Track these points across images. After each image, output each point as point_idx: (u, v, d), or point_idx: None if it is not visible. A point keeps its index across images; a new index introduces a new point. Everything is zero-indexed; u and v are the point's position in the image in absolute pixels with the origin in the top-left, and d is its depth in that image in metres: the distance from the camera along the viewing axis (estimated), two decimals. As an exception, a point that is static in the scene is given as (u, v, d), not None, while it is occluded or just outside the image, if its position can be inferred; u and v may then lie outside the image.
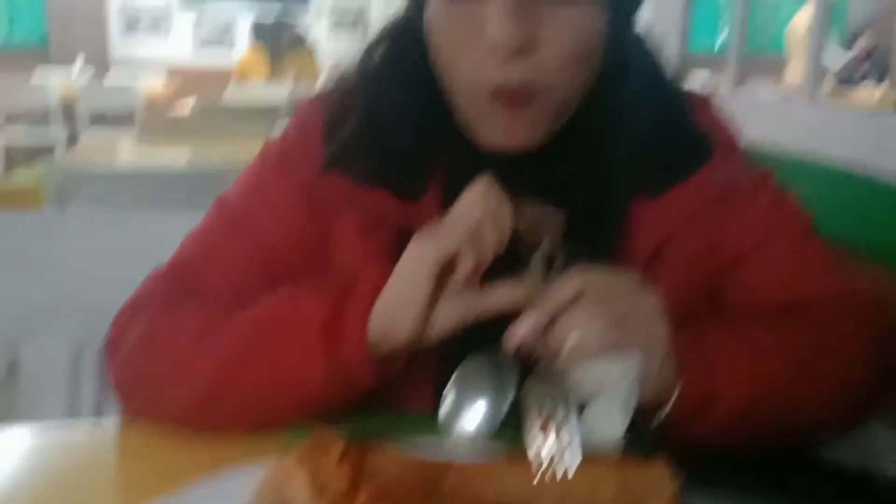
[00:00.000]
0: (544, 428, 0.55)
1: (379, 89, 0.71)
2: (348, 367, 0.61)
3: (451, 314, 0.60)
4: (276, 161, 0.75)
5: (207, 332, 0.67)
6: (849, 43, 6.30)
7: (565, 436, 0.54)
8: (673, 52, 1.95)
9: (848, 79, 6.05)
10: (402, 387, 0.68)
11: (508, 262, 0.61)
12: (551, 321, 0.56)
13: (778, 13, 6.41)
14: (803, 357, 0.65)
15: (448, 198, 0.68)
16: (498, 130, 0.65)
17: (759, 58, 6.63)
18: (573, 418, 0.55)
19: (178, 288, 0.73)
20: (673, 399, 0.58)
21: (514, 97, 0.62)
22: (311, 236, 0.73)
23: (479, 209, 0.58)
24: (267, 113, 3.50)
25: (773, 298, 0.72)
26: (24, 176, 2.15)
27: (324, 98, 0.77)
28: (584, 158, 0.69)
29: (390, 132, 0.69)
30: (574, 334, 0.55)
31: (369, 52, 0.73)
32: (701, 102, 0.76)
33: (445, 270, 0.58)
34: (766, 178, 0.76)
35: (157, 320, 0.70)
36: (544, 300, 0.57)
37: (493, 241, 0.58)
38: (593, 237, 0.68)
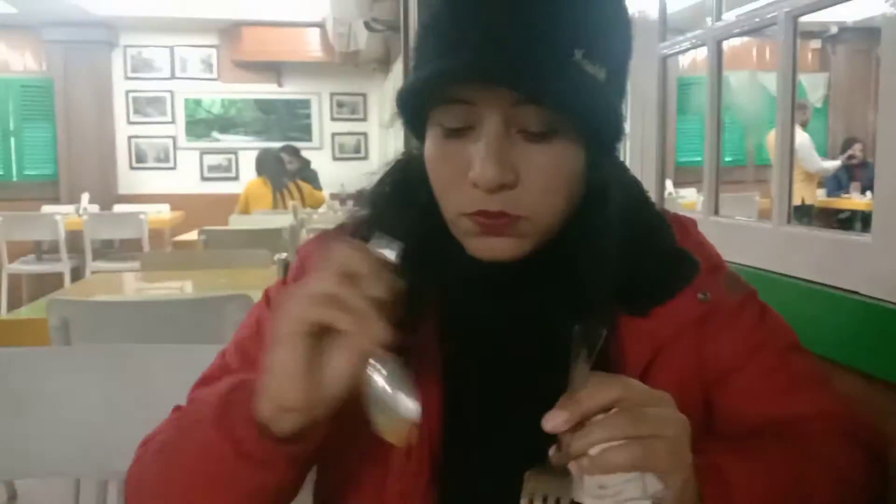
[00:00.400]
0: None
1: (372, 229, 0.73)
2: (244, 444, 0.60)
3: (340, 372, 0.58)
4: (275, 305, 0.78)
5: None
6: (842, 149, 6.55)
7: None
8: (653, 167, 2.03)
9: (834, 190, 6.25)
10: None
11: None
12: (582, 422, 0.56)
13: (762, 126, 6.67)
14: (804, 475, 0.66)
15: (446, 325, 0.72)
16: (485, 246, 0.68)
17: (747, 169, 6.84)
18: None
19: None
20: None
21: (495, 221, 0.66)
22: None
23: (332, 280, 0.56)
24: (270, 241, 3.58)
25: (762, 414, 0.74)
26: (31, 310, 2.19)
27: (322, 238, 0.81)
28: (569, 279, 0.71)
29: None
30: (598, 447, 0.55)
31: (366, 197, 0.78)
32: (684, 225, 0.80)
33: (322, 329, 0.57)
34: (751, 296, 0.79)
35: (170, 437, 0.70)
36: (580, 399, 0.57)
37: (362, 303, 0.56)
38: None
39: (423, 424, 0.69)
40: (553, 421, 0.56)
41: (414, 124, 0.71)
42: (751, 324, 0.77)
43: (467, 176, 0.65)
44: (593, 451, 0.54)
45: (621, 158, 0.78)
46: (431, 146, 0.69)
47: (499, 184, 0.63)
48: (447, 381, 0.72)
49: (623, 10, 0.69)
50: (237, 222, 4.89)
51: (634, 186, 0.79)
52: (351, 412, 0.74)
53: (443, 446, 0.71)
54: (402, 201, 0.74)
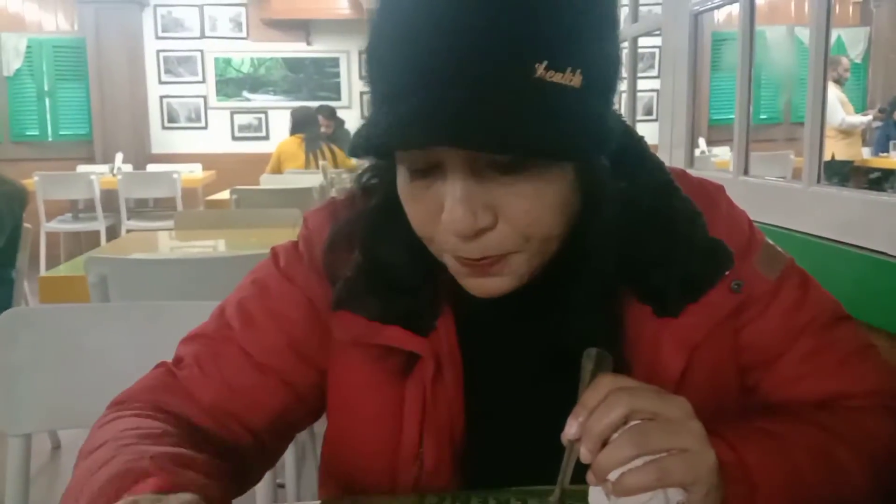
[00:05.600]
0: None
1: (376, 228, 0.71)
2: None
3: None
4: (281, 270, 0.77)
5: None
6: (889, 111, 6.35)
7: None
8: (684, 125, 2.01)
9: (882, 149, 6.11)
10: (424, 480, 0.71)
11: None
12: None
13: (798, 83, 6.50)
14: (838, 460, 0.64)
15: (461, 322, 0.71)
16: (475, 285, 0.64)
17: (783, 127, 6.71)
18: None
19: (167, 388, 0.74)
20: None
21: (480, 265, 0.61)
22: (308, 345, 0.75)
23: None
24: (301, 200, 3.61)
25: (809, 393, 0.72)
26: (69, 267, 2.24)
27: (331, 210, 0.78)
28: (586, 282, 0.67)
29: (394, 272, 0.69)
30: (616, 471, 0.54)
31: (362, 184, 0.75)
32: (711, 197, 0.74)
33: None
34: (789, 271, 0.74)
35: (116, 423, 0.68)
36: (590, 422, 0.55)
37: None
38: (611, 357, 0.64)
39: (444, 409, 0.70)
40: (568, 432, 0.56)
41: (382, 159, 0.67)
42: (790, 304, 0.73)
43: (439, 221, 0.59)
44: (612, 475, 0.54)
45: (644, 135, 0.73)
46: (401, 183, 0.63)
47: (473, 230, 0.58)
48: (468, 370, 0.71)
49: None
50: (268, 181, 4.92)
51: (656, 173, 0.71)
52: (357, 405, 0.74)
53: (464, 433, 0.71)
54: (390, 211, 0.69)
